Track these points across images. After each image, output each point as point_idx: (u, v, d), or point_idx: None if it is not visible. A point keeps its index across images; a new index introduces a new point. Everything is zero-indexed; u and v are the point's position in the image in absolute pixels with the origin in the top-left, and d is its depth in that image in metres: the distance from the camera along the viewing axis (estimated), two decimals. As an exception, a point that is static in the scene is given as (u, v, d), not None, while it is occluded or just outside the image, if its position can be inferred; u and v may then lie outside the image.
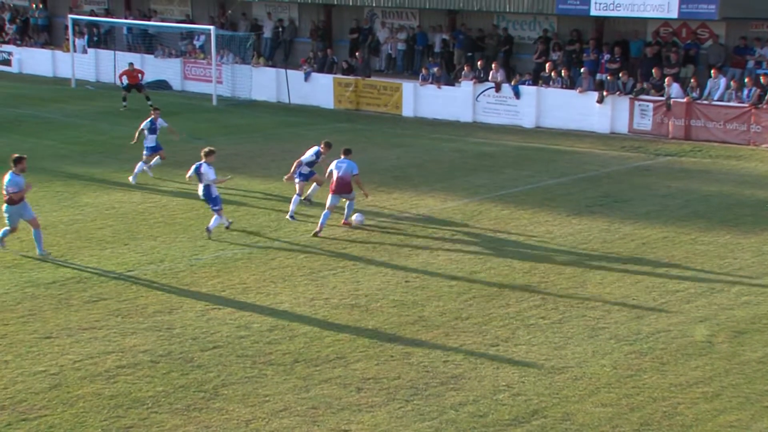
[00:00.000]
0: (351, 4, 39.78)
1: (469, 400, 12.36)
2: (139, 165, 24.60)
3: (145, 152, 24.81)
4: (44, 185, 23.71)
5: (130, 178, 24.33)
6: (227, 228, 20.10)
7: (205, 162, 19.72)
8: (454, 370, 13.34)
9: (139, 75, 37.88)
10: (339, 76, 37.99)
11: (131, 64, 38.43)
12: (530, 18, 36.30)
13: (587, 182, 25.29)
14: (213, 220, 19.76)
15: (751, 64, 32.19)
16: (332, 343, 14.27)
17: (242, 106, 38.06)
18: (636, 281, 17.25)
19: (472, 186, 24.64)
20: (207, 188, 19.76)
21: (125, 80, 37.12)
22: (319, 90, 38.06)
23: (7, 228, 18.42)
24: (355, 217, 20.58)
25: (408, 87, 35.80)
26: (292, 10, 42.80)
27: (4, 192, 18.06)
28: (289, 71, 39.04)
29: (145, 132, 24.88)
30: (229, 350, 13.95)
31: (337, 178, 20.04)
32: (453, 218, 21.49)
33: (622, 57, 33.56)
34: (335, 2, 40.07)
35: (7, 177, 18.01)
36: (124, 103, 36.58)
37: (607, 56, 33.67)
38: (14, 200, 17.98)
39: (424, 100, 35.50)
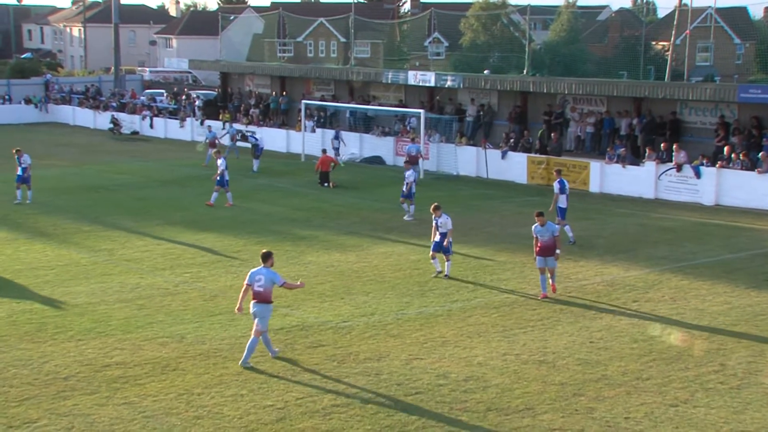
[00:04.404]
0: (545, 91, 39.69)
1: (648, 455, 11.88)
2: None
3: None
4: (275, 245, 24.62)
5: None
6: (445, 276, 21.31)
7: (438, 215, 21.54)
8: (634, 427, 12.84)
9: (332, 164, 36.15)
10: (532, 154, 37.83)
11: (324, 150, 37.88)
12: (711, 105, 35.10)
13: (766, 258, 23.94)
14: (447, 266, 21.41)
15: None
16: (521, 395, 14.05)
17: (446, 180, 38.41)
18: (813, 353, 16.15)
19: (654, 257, 23.82)
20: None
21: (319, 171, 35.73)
22: (514, 167, 37.97)
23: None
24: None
25: (595, 166, 35.24)
26: (492, 96, 43.09)
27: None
28: (488, 150, 39.23)
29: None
30: (429, 396, 13.97)
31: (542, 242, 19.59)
32: (635, 286, 20.82)
33: (802, 141, 31.85)
34: (531, 90, 40.12)
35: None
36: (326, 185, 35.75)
37: (786, 141, 32.07)
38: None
39: (610, 177, 34.82)
